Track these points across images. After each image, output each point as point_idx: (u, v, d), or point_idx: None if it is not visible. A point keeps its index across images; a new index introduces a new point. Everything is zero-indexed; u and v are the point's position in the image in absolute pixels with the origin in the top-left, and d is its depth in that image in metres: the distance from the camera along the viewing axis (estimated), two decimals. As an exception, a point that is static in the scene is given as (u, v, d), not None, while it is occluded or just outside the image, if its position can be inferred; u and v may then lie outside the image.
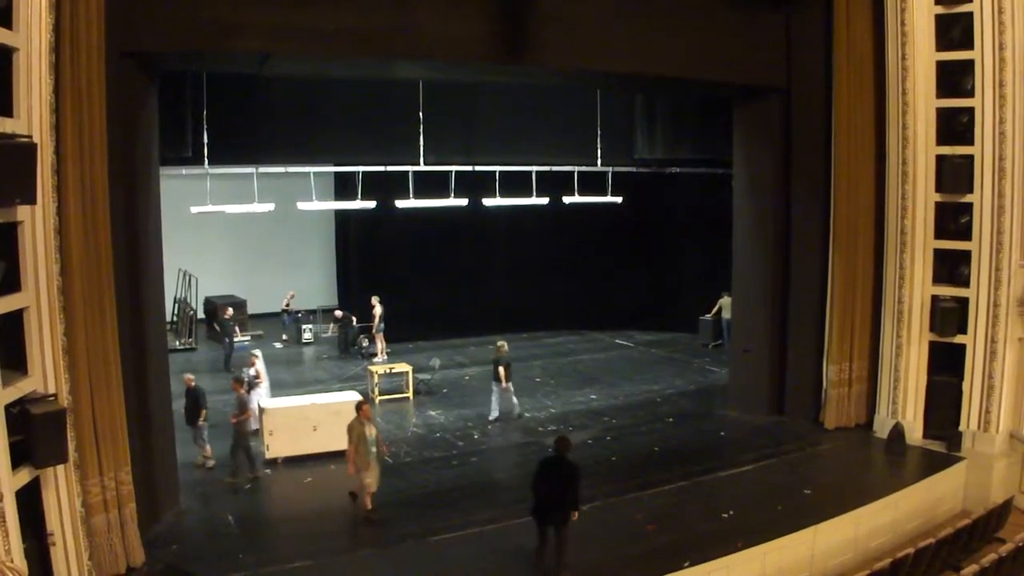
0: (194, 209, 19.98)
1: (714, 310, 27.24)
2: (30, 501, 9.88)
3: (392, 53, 14.84)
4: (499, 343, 20.34)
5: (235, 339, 25.19)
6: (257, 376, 18.50)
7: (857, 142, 17.32)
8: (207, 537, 13.33)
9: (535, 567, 12.10)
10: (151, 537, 12.63)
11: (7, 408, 9.36)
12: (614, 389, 22.20)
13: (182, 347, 27.01)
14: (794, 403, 18.88)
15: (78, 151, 10.90)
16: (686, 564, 11.85)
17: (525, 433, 18.54)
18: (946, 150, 16.26)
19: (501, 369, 19.49)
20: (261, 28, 13.39)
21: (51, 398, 10.20)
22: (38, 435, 9.62)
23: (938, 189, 16.43)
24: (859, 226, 17.51)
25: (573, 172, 24.52)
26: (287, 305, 28.76)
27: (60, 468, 10.34)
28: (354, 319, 26.40)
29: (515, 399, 19.96)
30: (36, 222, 10.12)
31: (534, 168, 23.99)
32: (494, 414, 19.60)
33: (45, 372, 10.30)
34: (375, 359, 24.82)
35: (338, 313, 26.84)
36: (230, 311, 25.37)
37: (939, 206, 16.51)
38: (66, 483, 10.54)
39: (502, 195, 23.46)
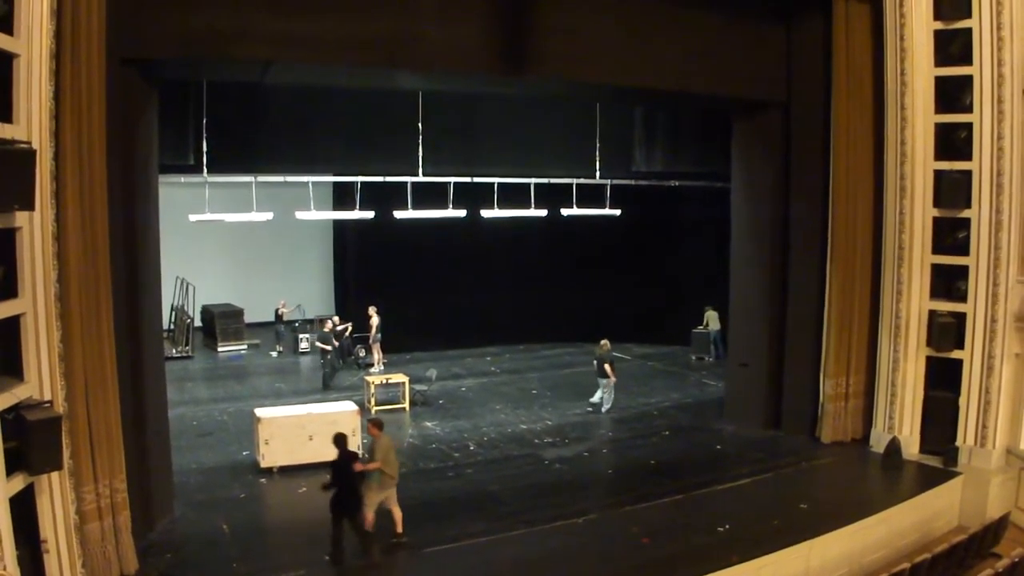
0: (192, 217, 19.99)
1: (704, 323, 27.69)
2: (24, 508, 9.83)
3: (394, 63, 14.86)
4: (603, 341, 21.35)
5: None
6: None
7: (856, 156, 17.36)
8: (201, 546, 13.25)
9: (332, 557, 12.64)
10: (145, 545, 12.59)
11: (2, 414, 9.35)
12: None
13: (178, 355, 26.98)
14: (790, 417, 18.85)
15: (77, 157, 10.89)
16: (681, 578, 11.84)
17: (521, 445, 18.50)
18: (944, 165, 16.28)
19: (607, 365, 20.80)
20: (263, 36, 13.42)
21: (47, 405, 10.15)
22: (33, 442, 9.56)
23: (936, 204, 16.45)
24: (857, 240, 17.54)
25: (572, 184, 24.56)
26: (280, 314, 28.71)
27: (55, 475, 10.29)
28: (350, 325, 26.17)
29: (608, 395, 21.21)
30: (34, 228, 10.08)
31: (533, 180, 24.02)
32: (606, 405, 21.14)
33: (41, 378, 10.26)
34: (372, 369, 24.77)
35: (336, 319, 26.66)
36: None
37: (937, 221, 16.52)
38: (60, 490, 10.49)
39: (500, 207, 23.48)
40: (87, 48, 10.89)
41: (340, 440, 13.12)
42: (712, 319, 27.31)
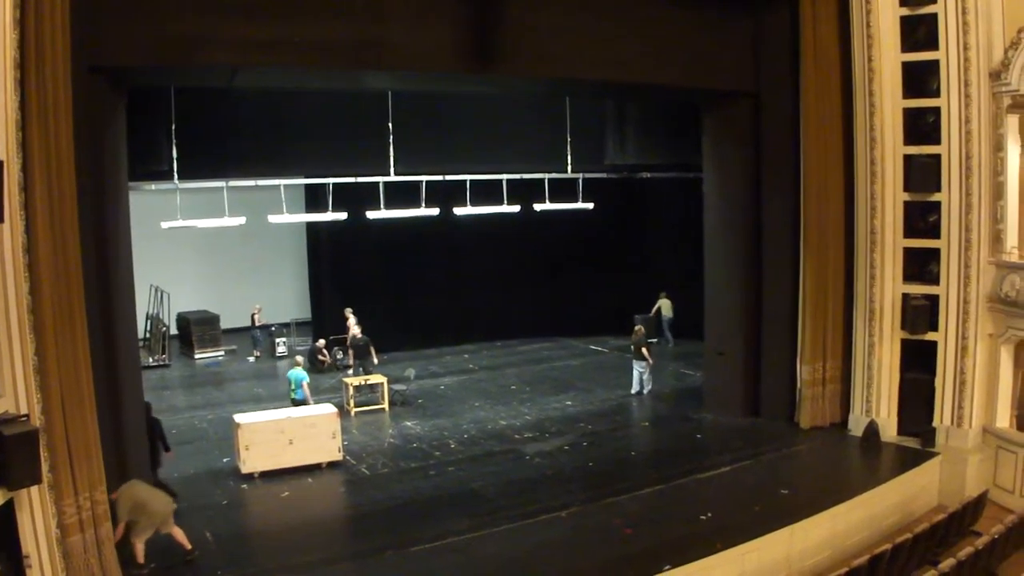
0: (164, 224, 19.81)
1: (653, 310, 28.26)
2: (4, 523, 9.76)
3: (361, 65, 14.82)
4: (637, 327, 22.52)
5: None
6: None
7: (826, 143, 17.45)
8: (185, 554, 13.18)
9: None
10: (128, 556, 12.48)
11: (-21, 430, 9.27)
12: (589, 395, 22.23)
13: (155, 364, 26.80)
14: (769, 404, 18.97)
15: (45, 168, 10.75)
16: (665, 567, 11.86)
17: (501, 441, 18.52)
18: (913, 150, 16.40)
19: (644, 349, 21.53)
20: (229, 41, 13.33)
21: (23, 418, 10.07)
22: (11, 456, 9.48)
23: (906, 188, 16.57)
24: (829, 227, 17.63)
25: (544, 179, 24.56)
26: (255, 319, 28.52)
27: (34, 489, 10.21)
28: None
29: (647, 377, 21.93)
30: (4, 240, 9.99)
31: (505, 176, 23.99)
32: (635, 389, 21.95)
33: (16, 392, 10.17)
34: (349, 371, 24.67)
35: (320, 342, 26.41)
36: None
37: (908, 205, 16.64)
38: (41, 504, 10.41)
39: (473, 204, 23.44)
40: (52, 57, 10.75)
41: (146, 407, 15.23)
42: (665, 306, 28.16)
